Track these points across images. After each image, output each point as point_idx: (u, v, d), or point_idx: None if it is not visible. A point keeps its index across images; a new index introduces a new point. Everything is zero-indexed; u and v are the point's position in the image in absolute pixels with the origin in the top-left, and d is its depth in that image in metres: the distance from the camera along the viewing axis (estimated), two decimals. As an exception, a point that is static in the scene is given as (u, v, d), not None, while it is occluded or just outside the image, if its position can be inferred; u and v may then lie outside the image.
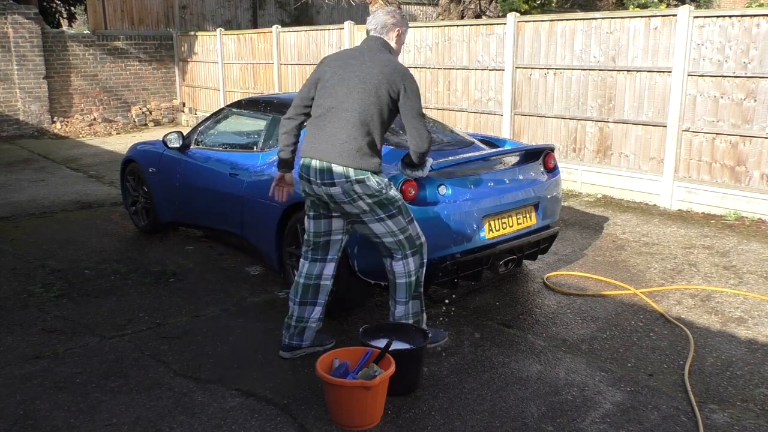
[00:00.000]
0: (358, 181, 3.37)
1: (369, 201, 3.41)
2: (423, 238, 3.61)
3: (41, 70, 13.43)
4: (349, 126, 3.38)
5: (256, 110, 5.38)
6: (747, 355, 3.79)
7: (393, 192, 3.48)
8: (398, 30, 3.58)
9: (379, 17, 3.58)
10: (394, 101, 3.42)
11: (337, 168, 3.37)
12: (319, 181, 3.43)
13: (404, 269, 3.58)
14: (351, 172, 3.36)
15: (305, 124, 3.61)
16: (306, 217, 3.61)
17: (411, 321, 3.65)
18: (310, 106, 3.55)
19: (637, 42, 7.26)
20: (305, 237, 3.64)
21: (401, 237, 3.52)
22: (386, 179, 3.50)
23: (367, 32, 3.61)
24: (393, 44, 3.58)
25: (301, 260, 3.66)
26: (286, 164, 3.68)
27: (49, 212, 7.23)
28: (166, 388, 3.44)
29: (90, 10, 15.71)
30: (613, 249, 5.73)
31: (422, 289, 3.71)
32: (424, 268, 3.67)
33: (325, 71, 3.51)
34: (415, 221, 3.60)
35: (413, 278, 3.61)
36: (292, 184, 3.76)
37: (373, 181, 3.39)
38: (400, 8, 13.48)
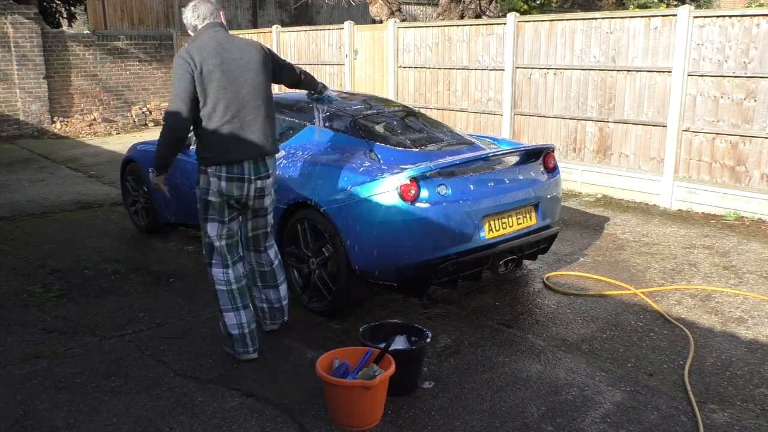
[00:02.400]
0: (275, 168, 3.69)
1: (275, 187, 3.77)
2: None
3: (41, 70, 13.42)
4: (265, 119, 3.56)
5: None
6: (747, 355, 3.79)
7: None
8: (222, 11, 3.62)
9: (205, 6, 3.53)
10: (270, 74, 3.65)
11: (270, 159, 3.62)
12: (254, 177, 3.55)
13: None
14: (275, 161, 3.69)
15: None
16: (213, 222, 3.62)
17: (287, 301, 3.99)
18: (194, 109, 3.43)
19: (637, 42, 7.26)
20: (217, 244, 3.63)
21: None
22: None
23: (203, 21, 3.52)
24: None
25: (220, 270, 3.68)
26: (167, 168, 3.66)
27: (49, 212, 7.23)
28: (166, 388, 3.44)
29: (90, 10, 15.70)
30: (613, 249, 5.73)
31: None
32: None
33: (202, 68, 3.38)
34: None
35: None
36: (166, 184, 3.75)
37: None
38: (400, 8, 13.48)
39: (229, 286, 3.68)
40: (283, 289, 3.96)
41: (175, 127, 3.45)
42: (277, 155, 3.78)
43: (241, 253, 3.81)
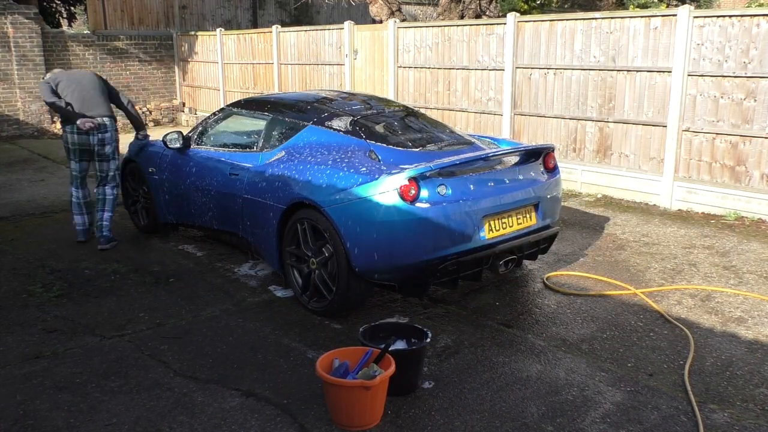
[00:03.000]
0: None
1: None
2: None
3: (41, 70, 13.41)
4: (101, 99, 5.89)
5: (256, 110, 5.37)
6: (747, 355, 3.79)
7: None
8: None
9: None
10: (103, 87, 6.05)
11: (107, 120, 5.84)
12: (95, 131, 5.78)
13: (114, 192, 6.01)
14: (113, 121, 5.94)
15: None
16: (72, 161, 5.85)
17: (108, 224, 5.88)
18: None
19: (637, 42, 7.26)
20: (74, 174, 5.90)
21: (117, 172, 6.01)
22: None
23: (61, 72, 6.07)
24: None
25: (73, 189, 5.93)
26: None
27: (49, 212, 7.23)
28: (166, 388, 3.44)
29: (90, 10, 15.69)
30: (613, 249, 5.73)
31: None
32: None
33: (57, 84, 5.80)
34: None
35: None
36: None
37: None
38: (400, 8, 13.48)
39: (78, 200, 5.94)
40: (107, 214, 5.88)
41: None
42: (114, 125, 5.95)
43: (86, 183, 5.99)
